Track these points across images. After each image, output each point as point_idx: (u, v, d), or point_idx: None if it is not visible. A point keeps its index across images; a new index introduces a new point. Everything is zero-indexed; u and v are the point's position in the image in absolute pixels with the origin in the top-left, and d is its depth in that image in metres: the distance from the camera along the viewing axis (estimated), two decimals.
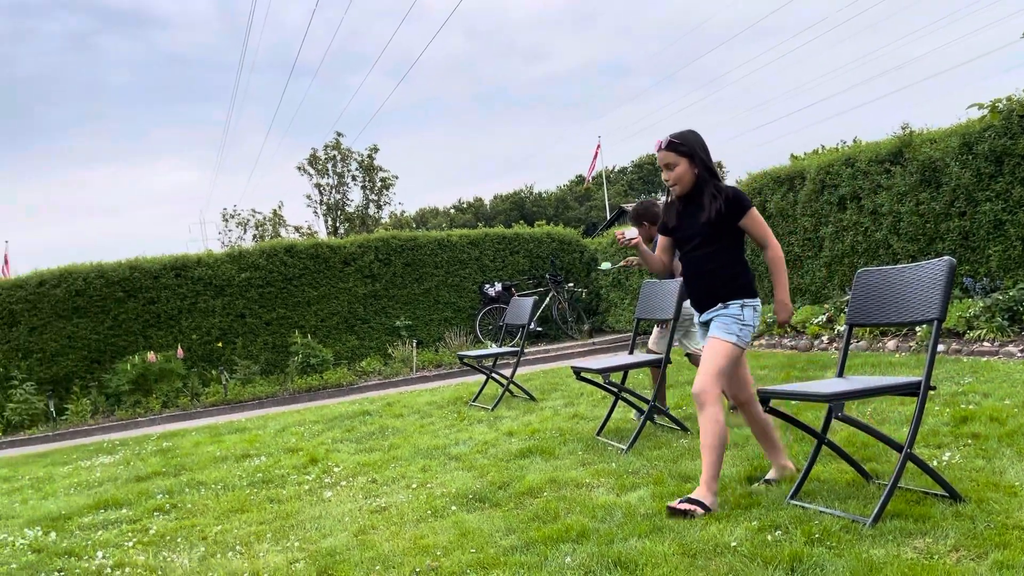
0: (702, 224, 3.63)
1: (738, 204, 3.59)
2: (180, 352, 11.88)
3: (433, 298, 13.90)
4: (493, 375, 7.78)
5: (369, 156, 27.89)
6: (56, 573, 3.75)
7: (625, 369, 5.19)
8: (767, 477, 3.75)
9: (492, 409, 7.04)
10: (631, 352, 5.75)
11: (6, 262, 18.12)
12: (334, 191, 27.97)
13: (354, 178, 27.95)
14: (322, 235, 27.62)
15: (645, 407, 5.21)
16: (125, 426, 10.41)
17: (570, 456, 4.88)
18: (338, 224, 28.13)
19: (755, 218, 3.62)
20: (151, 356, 11.57)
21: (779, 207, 10.34)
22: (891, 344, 7.84)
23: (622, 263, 6.96)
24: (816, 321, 9.08)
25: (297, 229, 29.73)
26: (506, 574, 2.99)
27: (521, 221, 23.38)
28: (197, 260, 12.58)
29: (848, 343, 3.71)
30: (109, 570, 3.69)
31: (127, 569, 3.67)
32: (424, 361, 12.60)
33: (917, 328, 7.69)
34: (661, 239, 3.97)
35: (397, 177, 28.74)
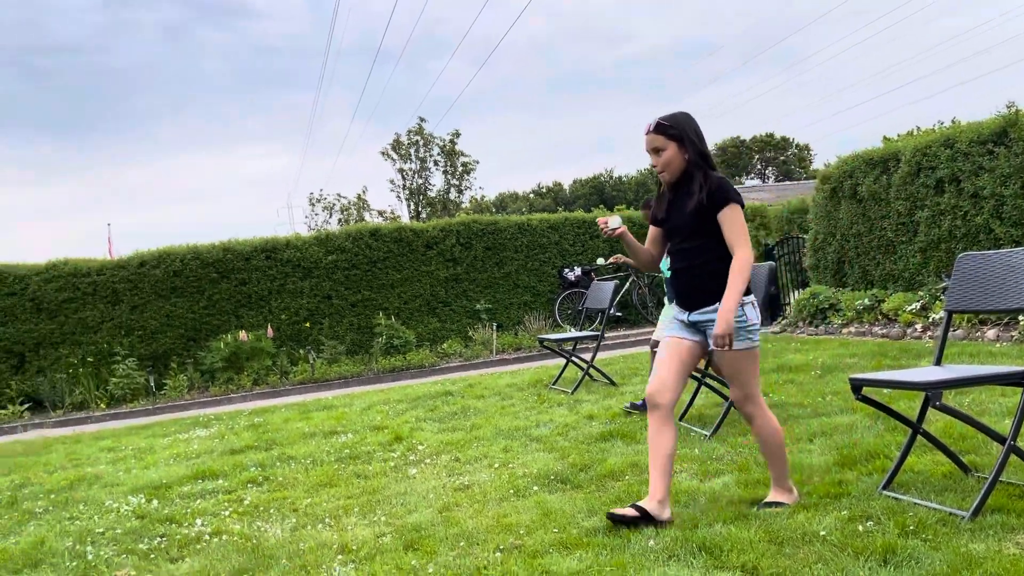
0: (688, 215, 3.33)
1: (720, 195, 3.25)
2: (270, 332, 12.29)
3: (513, 282, 13.97)
4: (573, 359, 7.79)
5: (451, 141, 28.13)
6: (159, 538, 3.95)
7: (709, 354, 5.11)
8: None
9: (572, 392, 7.05)
10: None
11: (109, 243, 19.04)
12: (416, 176, 28.34)
13: (436, 163, 28.25)
14: (405, 219, 28.09)
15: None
16: (218, 401, 10.85)
17: None
18: (420, 208, 28.51)
19: (734, 216, 3.23)
20: (243, 335, 12.00)
21: (871, 190, 9.97)
22: (991, 333, 7.50)
23: (611, 260, 6.83)
24: (909, 309, 8.75)
25: (380, 213, 30.26)
26: (589, 554, 3.01)
27: (601, 206, 23.25)
28: (286, 243, 12.96)
29: (947, 330, 3.56)
30: (208, 537, 3.86)
31: (224, 537, 3.84)
32: (504, 344, 12.69)
33: (1021, 316, 7.33)
34: (651, 230, 3.63)
35: (478, 162, 28.95)
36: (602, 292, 7.76)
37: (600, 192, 61.73)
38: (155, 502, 4.69)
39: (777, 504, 3.29)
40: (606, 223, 3.51)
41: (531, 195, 66.53)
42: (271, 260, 12.77)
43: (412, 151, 28.24)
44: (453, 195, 28.64)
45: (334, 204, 31.08)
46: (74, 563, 3.67)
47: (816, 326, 10.13)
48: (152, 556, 3.68)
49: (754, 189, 36.99)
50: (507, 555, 3.13)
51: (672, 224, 3.45)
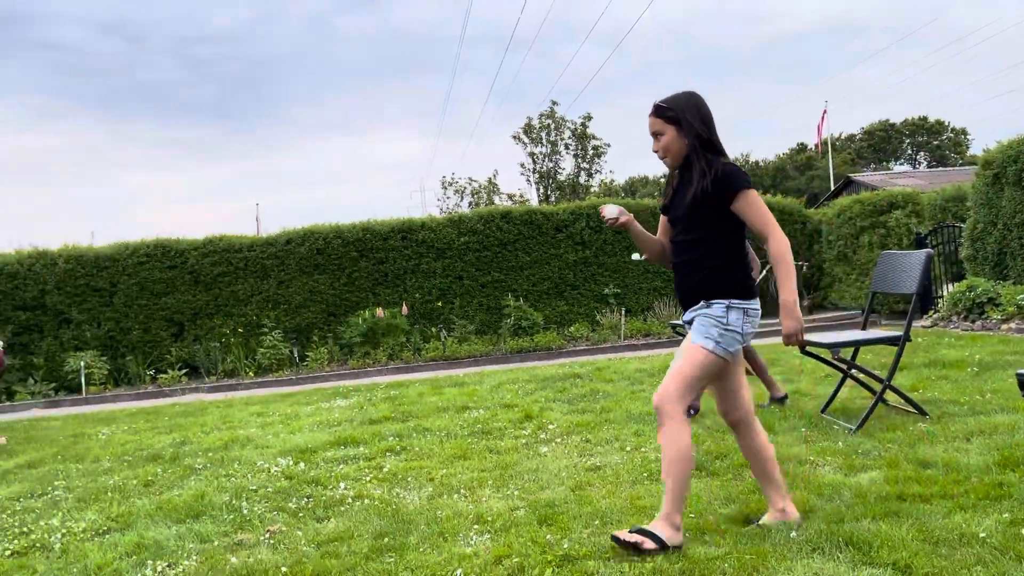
0: (687, 205, 3.03)
1: (727, 183, 2.93)
2: (405, 309, 12.69)
3: (643, 267, 13.81)
4: None
5: (582, 124, 28.03)
6: (305, 498, 4.18)
7: (857, 345, 4.89)
8: (761, 520, 3.11)
9: None
10: (864, 327, 5.40)
11: (257, 222, 20.16)
12: (547, 159, 28.43)
13: (567, 146, 28.24)
14: (534, 202, 28.25)
15: (878, 386, 4.90)
16: (356, 374, 11.31)
17: (791, 432, 4.70)
18: (549, 192, 28.60)
19: (751, 202, 2.93)
20: (379, 312, 12.45)
21: None
22: None
23: (644, 255, 6.49)
24: None
25: (510, 197, 30.58)
26: (727, 541, 2.96)
27: None
28: (421, 224, 13.32)
29: None
30: (350, 500, 4.05)
31: (365, 501, 4.02)
32: (632, 329, 12.59)
33: None
34: (662, 219, 3.31)
35: (609, 145, 28.71)
36: None
37: None
38: (301, 465, 4.95)
39: (649, 535, 2.88)
40: (604, 211, 3.21)
41: (662, 179, 65.42)
42: (407, 240, 13.16)
43: (543, 135, 28.33)
44: (583, 179, 28.56)
45: (465, 187, 31.67)
46: (231, 516, 3.94)
47: (972, 321, 9.49)
48: (300, 515, 3.89)
49: (904, 175, 34.92)
50: None
51: (673, 214, 3.16)
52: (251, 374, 11.88)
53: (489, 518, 3.53)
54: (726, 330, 2.94)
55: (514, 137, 28.72)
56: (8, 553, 3.65)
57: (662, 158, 3.13)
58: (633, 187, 62.76)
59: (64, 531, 3.92)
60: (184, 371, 12.10)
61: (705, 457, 4.23)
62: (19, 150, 59.09)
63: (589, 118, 28.07)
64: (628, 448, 4.67)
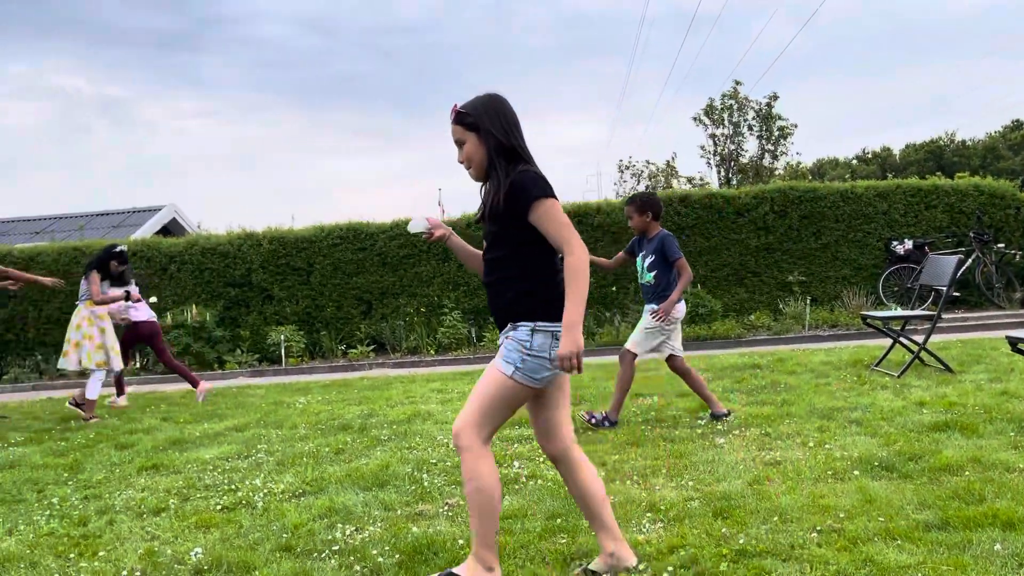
0: (488, 220, 2.75)
1: (521, 194, 2.61)
2: None
3: (831, 254, 13.06)
4: (901, 339, 7.11)
5: (768, 104, 26.82)
6: None
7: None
8: (591, 566, 2.81)
9: (898, 376, 6.46)
10: None
11: (440, 206, 20.96)
12: (728, 141, 27.48)
13: (750, 127, 27.14)
14: (714, 186, 27.43)
15: None
16: None
17: (998, 436, 4.30)
18: (731, 175, 27.66)
19: (546, 213, 2.60)
20: None
21: None
22: None
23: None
24: None
25: (689, 180, 29.86)
26: (921, 549, 2.76)
27: (938, 172, 20.81)
28: (596, 208, 13.30)
29: None
30: (524, 479, 4.14)
31: (539, 481, 4.09)
32: (817, 319, 11.96)
33: None
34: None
35: (796, 126, 27.29)
36: (940, 267, 6.98)
37: (938, 158, 55.28)
38: None
39: None
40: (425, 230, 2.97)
41: (854, 161, 61.47)
42: (582, 224, 13.19)
43: (725, 116, 27.40)
44: (767, 161, 27.38)
45: (642, 171, 31.23)
46: (412, 487, 4.14)
47: None
48: None
49: None
50: (824, 536, 2.98)
51: (484, 230, 2.84)
52: (432, 352, 12.40)
53: (662, 507, 3.49)
54: (529, 355, 2.62)
55: (694, 118, 27.96)
56: (219, 507, 4.04)
57: (467, 169, 2.80)
58: (822, 169, 59.44)
59: (265, 491, 4.28)
60: (372, 347, 12.83)
61: (897, 458, 3.96)
62: (228, 140, 64.86)
63: (775, 97, 26.81)
64: (811, 444, 4.45)
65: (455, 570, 2.70)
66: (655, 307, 5.39)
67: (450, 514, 3.65)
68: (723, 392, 6.34)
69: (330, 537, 3.42)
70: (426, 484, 4.17)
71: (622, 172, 31.38)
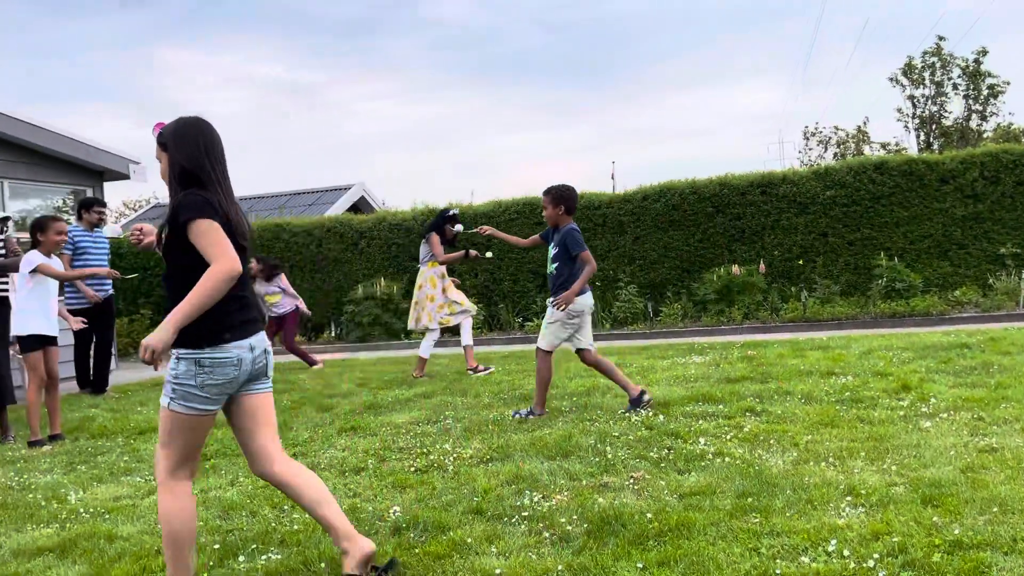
0: (163, 242, 2.72)
1: (179, 215, 2.58)
2: (762, 267, 12.25)
3: None
4: None
5: (975, 61, 24.41)
6: (665, 450, 4.26)
7: None
8: (345, 571, 2.71)
9: None
10: None
11: (613, 179, 20.78)
12: (929, 102, 25.31)
13: (955, 87, 24.84)
14: (912, 151, 25.40)
15: None
16: (709, 332, 11.24)
17: None
18: (932, 139, 25.49)
19: (201, 233, 2.55)
20: (735, 269, 12.18)
21: None
22: None
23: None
24: None
25: (883, 146, 27.84)
26: None
27: None
28: (782, 177, 12.68)
29: None
30: (710, 457, 4.05)
31: (726, 459, 3.98)
32: None
33: None
34: None
35: (1008, 83, 24.67)
36: None
37: None
38: (661, 417, 5.05)
39: None
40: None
41: None
42: (766, 195, 12.63)
43: (926, 75, 25.22)
44: (974, 122, 24.98)
45: (830, 137, 29.48)
46: (596, 459, 4.16)
47: None
48: (662, 465, 3.98)
49: None
50: None
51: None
52: (607, 326, 12.38)
53: (863, 491, 3.30)
54: (176, 384, 2.58)
55: (890, 79, 25.95)
56: (413, 469, 4.24)
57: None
58: None
59: (455, 456, 4.45)
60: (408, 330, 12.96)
61: None
62: (409, 120, 67.40)
63: (984, 53, 24.34)
64: None
65: None
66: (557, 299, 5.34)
67: (636, 488, 3.63)
68: (926, 372, 5.89)
69: (518, 503, 3.50)
70: (610, 456, 4.17)
71: (807, 139, 29.82)
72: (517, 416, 5.40)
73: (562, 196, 5.48)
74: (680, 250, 12.90)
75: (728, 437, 4.42)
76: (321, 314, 14.14)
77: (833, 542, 2.77)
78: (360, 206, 20.25)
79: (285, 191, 21.50)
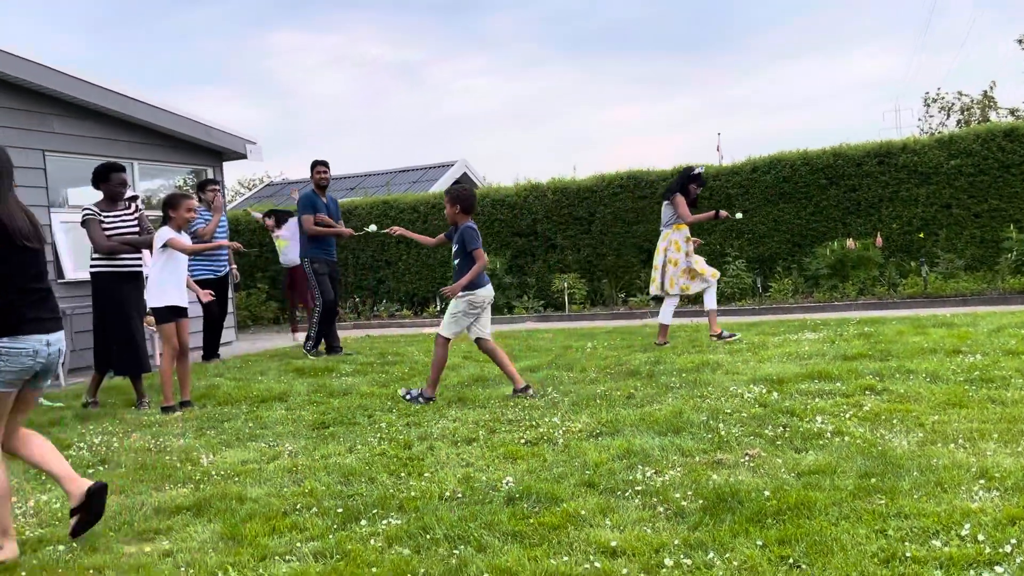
0: None
1: None
2: (879, 241, 11.72)
3: None
4: None
5: None
6: (781, 428, 4.16)
7: None
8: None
9: None
10: None
11: (719, 151, 20.26)
12: None
13: None
14: None
15: None
16: (822, 308, 10.86)
17: None
18: None
19: None
20: (849, 243, 11.70)
21: None
22: None
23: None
24: None
25: (1012, 112, 26.07)
26: None
27: None
28: (902, 146, 12.05)
29: None
30: (829, 435, 3.92)
31: (846, 438, 3.86)
32: None
33: None
34: None
35: None
36: None
37: None
38: (775, 394, 4.93)
39: None
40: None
41: None
42: (884, 165, 12.05)
43: None
44: None
45: (952, 103, 27.77)
46: (709, 435, 4.10)
47: None
48: (777, 443, 3.89)
49: None
50: None
51: None
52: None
53: (997, 474, 3.14)
54: None
55: (1018, 41, 24.26)
56: (523, 441, 4.29)
57: None
58: None
59: (564, 429, 4.48)
60: (652, 296, 12.82)
61: None
62: (510, 96, 67.36)
63: None
64: None
65: None
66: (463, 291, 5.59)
67: (752, 465, 3.57)
68: None
69: (631, 477, 3.50)
70: (723, 433, 4.11)
71: (928, 106, 28.20)
72: (408, 397, 5.62)
73: (459, 197, 5.80)
74: (791, 223, 12.49)
75: (847, 416, 4.27)
76: (427, 288, 14.43)
77: (967, 526, 2.65)
78: (463, 182, 20.45)
79: (391, 169, 21.94)
